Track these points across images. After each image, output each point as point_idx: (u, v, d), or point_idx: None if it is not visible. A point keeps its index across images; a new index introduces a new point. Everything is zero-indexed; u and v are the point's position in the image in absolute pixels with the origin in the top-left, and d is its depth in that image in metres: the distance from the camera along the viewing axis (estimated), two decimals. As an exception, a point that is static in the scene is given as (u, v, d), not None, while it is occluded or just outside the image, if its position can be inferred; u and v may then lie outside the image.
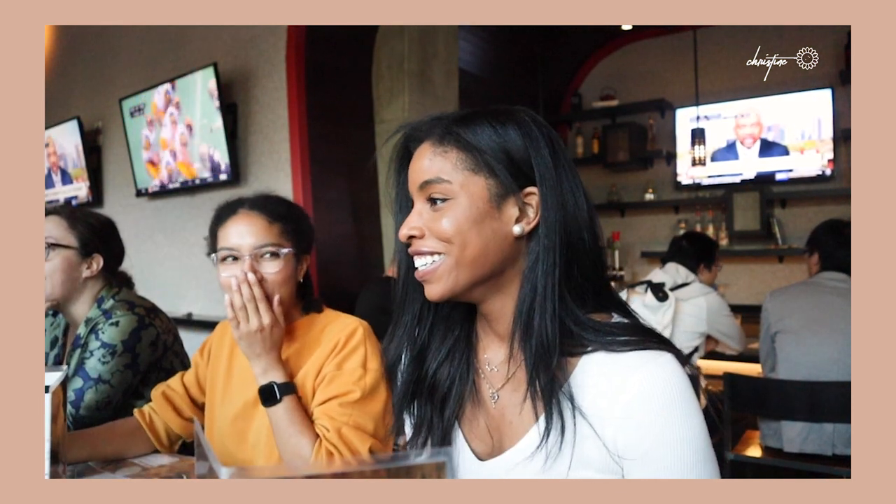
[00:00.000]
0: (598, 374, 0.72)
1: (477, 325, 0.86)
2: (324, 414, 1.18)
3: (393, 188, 0.83)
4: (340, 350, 1.23)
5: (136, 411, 1.39)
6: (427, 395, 0.84)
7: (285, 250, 1.24)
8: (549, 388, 0.72)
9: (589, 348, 0.73)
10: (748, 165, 4.52)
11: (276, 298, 1.22)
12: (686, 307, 2.61)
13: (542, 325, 0.72)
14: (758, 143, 4.48)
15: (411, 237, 0.77)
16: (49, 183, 4.65)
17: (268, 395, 1.17)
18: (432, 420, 0.83)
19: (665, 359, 0.71)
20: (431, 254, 0.75)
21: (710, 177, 4.65)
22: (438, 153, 0.75)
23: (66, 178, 4.52)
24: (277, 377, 1.19)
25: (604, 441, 0.71)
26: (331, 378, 1.20)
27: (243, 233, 1.23)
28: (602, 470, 0.71)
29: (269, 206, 1.27)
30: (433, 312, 0.85)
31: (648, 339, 0.73)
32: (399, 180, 0.83)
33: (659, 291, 2.59)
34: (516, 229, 0.74)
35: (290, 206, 1.31)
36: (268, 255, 1.23)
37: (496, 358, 0.82)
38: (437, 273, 0.75)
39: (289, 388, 1.19)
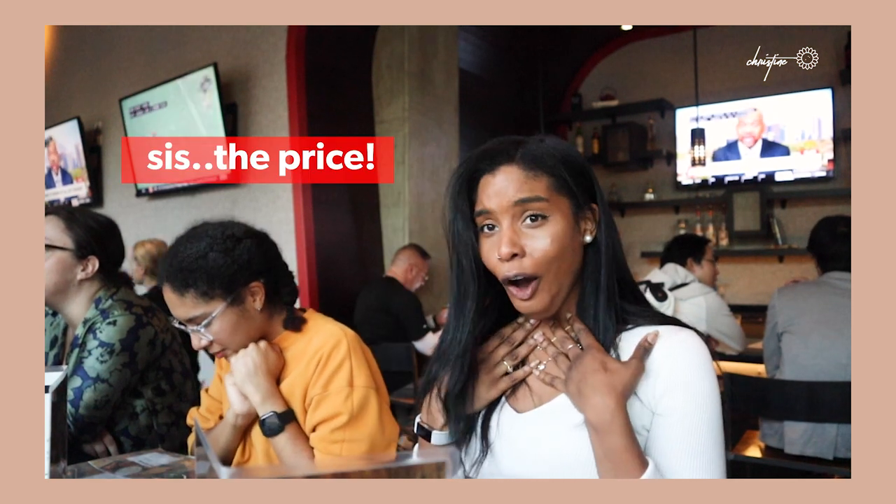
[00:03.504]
0: (635, 344, 0.82)
1: None
2: (317, 442, 1.18)
3: (454, 211, 0.85)
4: (324, 366, 1.19)
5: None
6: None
7: (207, 321, 1.17)
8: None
9: (629, 326, 0.85)
10: (749, 165, 4.52)
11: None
12: (685, 307, 2.60)
13: (606, 316, 0.84)
14: (759, 143, 4.48)
15: (513, 255, 0.80)
16: (50, 183, 4.65)
17: (270, 427, 1.18)
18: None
19: (689, 332, 0.83)
20: (528, 277, 0.81)
21: (713, 177, 4.64)
22: (530, 177, 0.81)
23: (67, 178, 4.52)
24: (277, 406, 1.19)
25: (638, 396, 0.79)
26: (318, 401, 1.19)
27: (172, 309, 1.20)
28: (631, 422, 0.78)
29: (175, 274, 1.17)
30: (488, 308, 0.90)
31: (674, 321, 0.86)
32: (458, 203, 0.85)
33: (658, 291, 2.58)
34: (588, 239, 0.85)
35: (196, 259, 1.16)
36: (197, 328, 1.18)
37: (545, 334, 0.90)
38: (540, 289, 0.82)
39: (289, 416, 1.19)
